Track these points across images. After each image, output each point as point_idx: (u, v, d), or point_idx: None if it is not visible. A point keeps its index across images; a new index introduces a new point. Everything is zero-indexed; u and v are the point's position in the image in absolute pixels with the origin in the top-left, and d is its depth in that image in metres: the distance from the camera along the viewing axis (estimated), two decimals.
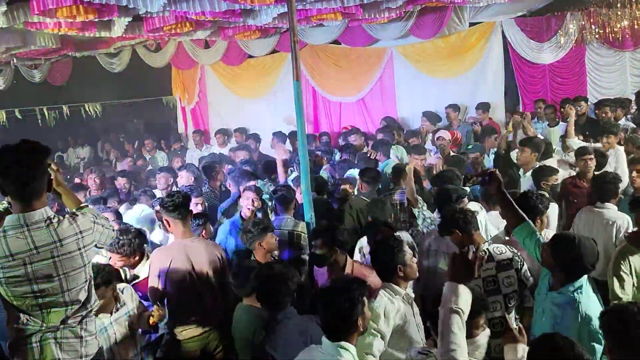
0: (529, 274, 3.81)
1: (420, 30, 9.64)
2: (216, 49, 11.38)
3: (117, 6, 6.40)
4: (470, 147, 6.83)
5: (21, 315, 2.80)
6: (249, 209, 5.36)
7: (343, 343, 2.72)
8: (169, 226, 4.34)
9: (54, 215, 2.84)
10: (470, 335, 2.78)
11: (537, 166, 6.01)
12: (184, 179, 7.08)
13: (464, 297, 2.54)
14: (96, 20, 6.84)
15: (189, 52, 11.58)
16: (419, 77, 10.35)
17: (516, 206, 3.50)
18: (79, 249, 2.87)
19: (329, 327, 2.79)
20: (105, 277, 3.58)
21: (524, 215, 3.48)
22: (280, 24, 8.54)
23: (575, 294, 3.08)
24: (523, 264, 3.78)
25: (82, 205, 3.11)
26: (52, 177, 2.90)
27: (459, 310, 2.50)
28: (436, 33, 9.56)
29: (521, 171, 6.37)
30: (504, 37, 9.78)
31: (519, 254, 3.81)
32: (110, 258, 4.46)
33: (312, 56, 11.04)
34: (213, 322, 4.25)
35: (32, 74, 11.53)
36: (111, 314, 3.63)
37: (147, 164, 10.67)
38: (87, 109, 11.83)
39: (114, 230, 3.24)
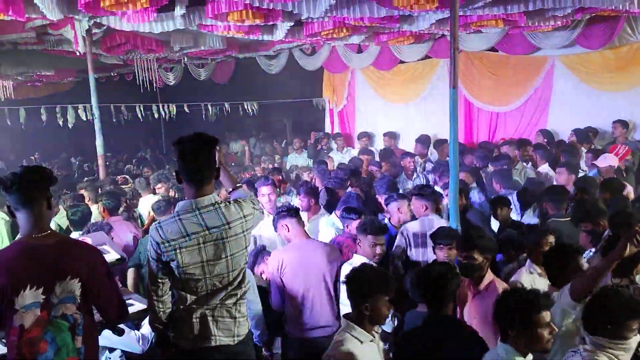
0: None
1: (588, 40, 8.97)
2: (368, 53, 11.51)
3: (282, 11, 6.76)
4: None
5: (187, 295, 3.03)
6: None
7: (507, 346, 2.77)
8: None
9: (221, 201, 3.07)
10: (622, 337, 2.68)
11: None
12: None
13: None
14: (262, 24, 7.27)
15: (342, 56, 11.83)
16: (582, 90, 9.59)
17: None
18: (243, 231, 3.07)
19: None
20: None
21: None
22: (437, 30, 8.43)
23: None
24: None
25: (238, 185, 3.33)
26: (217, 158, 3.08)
27: None
28: (605, 43, 8.84)
29: None
30: None
31: None
32: None
33: (466, 63, 10.72)
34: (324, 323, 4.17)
35: (198, 72, 12.58)
36: None
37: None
38: (246, 107, 12.57)
39: (262, 213, 3.36)
